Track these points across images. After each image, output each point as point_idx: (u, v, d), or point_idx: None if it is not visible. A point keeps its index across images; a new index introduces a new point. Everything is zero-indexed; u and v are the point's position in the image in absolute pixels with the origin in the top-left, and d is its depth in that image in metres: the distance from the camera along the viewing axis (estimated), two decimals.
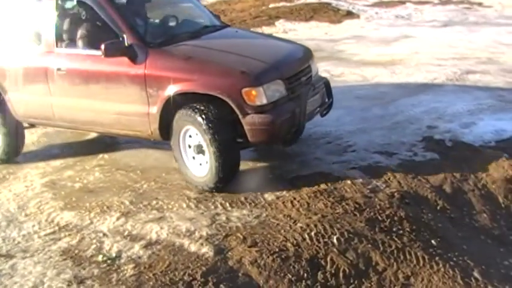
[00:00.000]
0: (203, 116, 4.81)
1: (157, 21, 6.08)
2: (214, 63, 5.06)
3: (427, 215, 4.59)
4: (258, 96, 4.79)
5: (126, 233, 4.53)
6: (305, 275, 3.95)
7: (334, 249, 4.12)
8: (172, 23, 5.89)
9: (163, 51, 5.18)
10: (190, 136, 5.06)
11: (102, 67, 5.27)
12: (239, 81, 4.83)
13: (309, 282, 3.90)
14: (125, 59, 5.09)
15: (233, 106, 4.78)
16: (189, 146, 5.10)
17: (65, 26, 5.63)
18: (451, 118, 6.51)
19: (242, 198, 4.88)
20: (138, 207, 4.94)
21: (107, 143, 6.57)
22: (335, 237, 4.21)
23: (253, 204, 4.78)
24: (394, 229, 4.32)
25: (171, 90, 4.94)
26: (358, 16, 13.83)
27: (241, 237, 4.31)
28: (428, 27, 12.21)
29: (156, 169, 5.67)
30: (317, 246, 4.15)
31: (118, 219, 4.76)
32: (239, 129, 4.88)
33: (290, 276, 3.92)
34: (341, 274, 3.96)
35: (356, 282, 3.92)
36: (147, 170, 5.67)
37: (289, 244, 4.19)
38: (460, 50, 9.78)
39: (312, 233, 4.26)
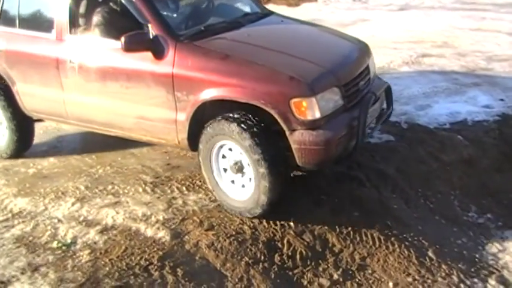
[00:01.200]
0: (247, 129, 3.97)
1: (187, 6, 5.21)
2: (256, 64, 4.08)
3: (382, 196, 4.64)
4: (310, 108, 3.89)
5: (81, 219, 4.47)
6: (262, 257, 3.97)
7: (291, 232, 4.15)
8: (206, 9, 5.12)
9: (196, 47, 4.25)
10: (223, 156, 4.29)
11: (121, 62, 4.45)
12: (287, 89, 3.92)
13: (266, 264, 3.92)
14: (149, 54, 4.25)
15: (279, 120, 3.92)
16: (223, 159, 4.32)
17: (80, 10, 4.86)
18: (407, 101, 6.61)
19: (198, 182, 4.85)
20: (93, 192, 4.87)
21: (60, 128, 6.42)
22: (292, 220, 4.22)
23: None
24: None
25: (205, 95, 4.10)
26: None
27: (198, 220, 4.30)
28: (385, 11, 12.33)
29: (111, 154, 5.59)
30: (274, 228, 4.18)
31: (73, 204, 4.68)
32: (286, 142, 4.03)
33: (247, 259, 3.93)
34: (298, 256, 4.00)
35: (313, 263, 3.96)
36: (102, 155, 5.58)
37: (246, 227, 4.20)
38: (416, 33, 9.91)
39: (269, 216, 4.27)
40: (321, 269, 3.95)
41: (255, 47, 4.37)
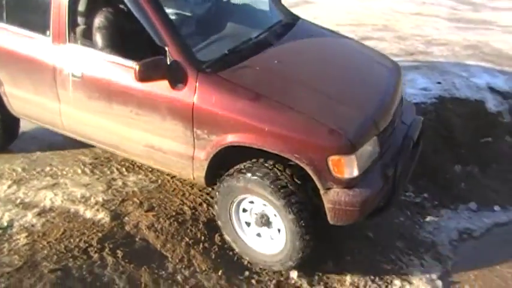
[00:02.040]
0: (278, 186, 3.49)
1: (202, 11, 4.55)
2: (291, 110, 3.50)
3: None
4: (349, 166, 3.42)
5: (18, 201, 4.37)
6: (202, 237, 4.00)
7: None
8: (223, 13, 4.45)
9: (222, 81, 3.62)
10: (244, 210, 3.84)
11: (131, 85, 3.77)
12: (326, 144, 3.41)
13: (206, 244, 3.95)
14: (165, 82, 3.63)
15: (313, 177, 3.45)
16: (246, 216, 3.87)
17: (82, 11, 4.09)
18: None
19: (138, 163, 4.80)
20: (30, 174, 4.77)
21: None
22: None
23: (149, 168, 4.73)
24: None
25: (230, 138, 3.56)
26: None
27: (138, 202, 4.29)
28: None
29: (49, 134, 5.45)
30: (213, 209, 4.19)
31: (9, 187, 4.57)
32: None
33: (187, 240, 3.96)
34: None
35: None
36: (40, 136, 5.44)
37: (186, 208, 4.22)
38: (358, 16, 10.03)
39: (209, 197, 4.29)
40: None
41: (287, 81, 3.76)
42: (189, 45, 3.73)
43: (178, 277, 3.73)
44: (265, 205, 3.66)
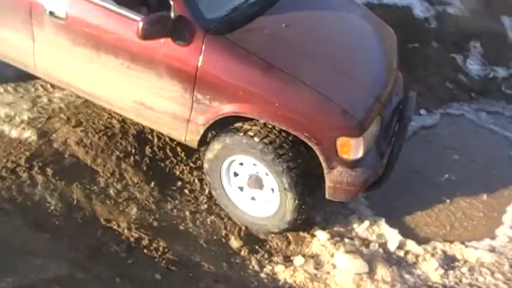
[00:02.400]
0: (280, 154, 3.37)
1: None
2: (305, 86, 3.34)
3: None
4: (355, 148, 3.36)
5: None
6: (133, 150, 4.00)
7: None
8: None
9: (232, 45, 3.38)
10: (235, 174, 3.71)
11: (127, 36, 3.44)
12: (338, 125, 3.34)
13: (137, 157, 3.97)
14: (167, 39, 3.35)
15: (320, 157, 3.36)
16: (235, 175, 3.72)
17: None
18: None
19: None
20: None
21: None
22: None
23: None
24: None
25: (236, 108, 3.37)
26: None
27: (65, 118, 4.20)
28: None
29: None
30: None
31: None
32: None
33: (118, 153, 3.95)
34: (168, 147, 4.05)
35: (183, 154, 4.03)
36: None
37: (114, 121, 4.18)
38: None
39: None
40: (193, 158, 4.04)
41: (297, 51, 3.57)
42: (196, 2, 3.41)
43: (111, 191, 3.75)
44: (267, 173, 3.53)
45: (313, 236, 3.82)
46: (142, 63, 3.49)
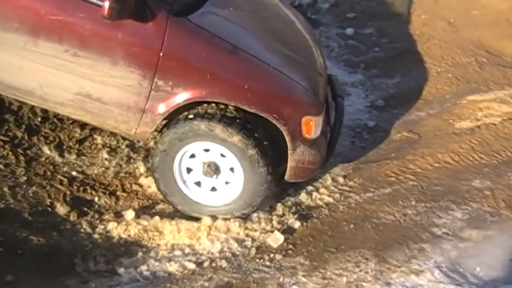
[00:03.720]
0: (239, 129, 3.35)
1: None
2: (270, 68, 3.40)
3: None
4: (316, 127, 3.50)
5: None
6: None
7: None
8: None
9: (196, 28, 3.28)
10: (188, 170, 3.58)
11: (78, 20, 3.15)
12: (303, 105, 3.48)
13: None
14: (129, 21, 3.10)
15: (287, 137, 3.42)
16: (188, 171, 3.60)
17: None
18: None
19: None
20: None
21: None
22: None
23: None
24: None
25: (201, 93, 3.27)
26: None
27: None
28: None
29: None
30: None
31: None
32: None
33: None
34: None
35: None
36: None
37: None
38: None
39: None
40: (3, 131, 3.86)
41: (253, 34, 3.63)
42: None
43: None
44: (222, 155, 3.48)
45: (140, 186, 3.91)
46: (93, 50, 3.21)
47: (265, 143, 3.47)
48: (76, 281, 3.19)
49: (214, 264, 3.40)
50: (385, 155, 4.42)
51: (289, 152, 3.49)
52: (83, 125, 4.06)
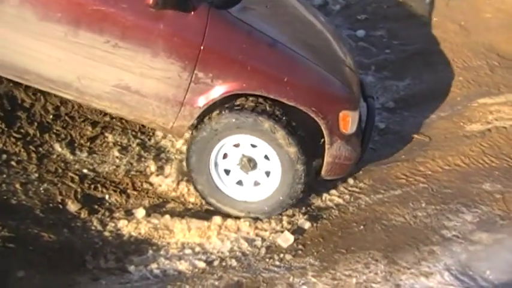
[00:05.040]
0: (293, 134, 3.40)
1: None
2: (310, 62, 3.49)
3: None
4: (353, 122, 3.55)
5: None
6: None
7: None
8: None
9: (237, 21, 3.34)
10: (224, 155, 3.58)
11: (121, 10, 3.16)
12: (341, 99, 3.55)
13: None
14: (171, 12, 3.16)
15: (325, 131, 3.46)
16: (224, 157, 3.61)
17: None
18: None
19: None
20: None
21: None
22: None
23: None
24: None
25: (242, 86, 3.30)
26: None
27: None
28: None
29: None
30: None
31: None
32: None
33: None
34: None
35: (4, 125, 3.84)
36: None
37: None
38: None
39: None
40: (15, 128, 3.87)
41: (290, 30, 3.69)
42: None
43: None
44: (254, 146, 3.50)
45: (151, 185, 3.92)
46: (134, 41, 3.21)
47: (305, 139, 3.49)
48: (87, 278, 3.20)
49: (224, 264, 3.40)
50: (396, 157, 4.42)
51: (327, 146, 3.52)
52: (94, 123, 4.08)
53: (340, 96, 3.57)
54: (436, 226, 3.77)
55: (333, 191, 4.03)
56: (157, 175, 3.94)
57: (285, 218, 3.75)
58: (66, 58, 3.30)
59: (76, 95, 3.49)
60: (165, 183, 3.87)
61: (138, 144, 4.13)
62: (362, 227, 3.71)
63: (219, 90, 3.31)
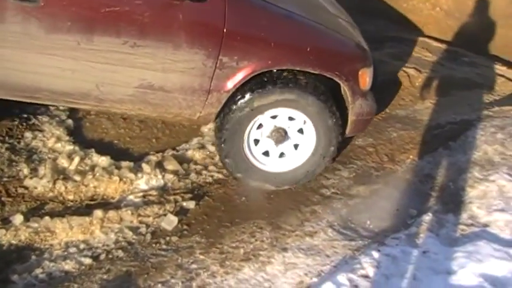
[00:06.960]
0: (319, 95, 3.55)
1: None
2: (327, 29, 3.62)
3: None
4: (370, 78, 3.70)
5: None
6: None
7: None
8: None
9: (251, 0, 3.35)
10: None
11: (136, 7, 3.02)
12: (358, 58, 3.67)
13: None
14: (187, 2, 3.08)
15: (348, 91, 3.61)
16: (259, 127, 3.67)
17: None
18: None
19: None
20: None
21: None
22: None
23: None
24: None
25: (267, 63, 3.30)
26: None
27: None
28: None
29: None
30: None
31: None
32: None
33: None
34: None
35: None
36: None
37: None
38: None
39: None
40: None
41: (301, 3, 3.74)
42: None
43: None
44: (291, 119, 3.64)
45: (26, 188, 3.78)
46: (154, 37, 3.12)
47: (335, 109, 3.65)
48: None
49: (110, 256, 3.36)
50: None
51: (350, 106, 3.67)
52: None
53: (358, 55, 3.70)
54: (315, 186, 3.94)
55: (212, 167, 4.08)
56: (32, 177, 3.79)
57: (166, 201, 3.75)
58: (81, 68, 3.18)
59: (95, 104, 3.40)
60: (40, 184, 3.73)
61: (7, 149, 3.95)
62: (244, 198, 3.81)
63: (244, 71, 3.33)
